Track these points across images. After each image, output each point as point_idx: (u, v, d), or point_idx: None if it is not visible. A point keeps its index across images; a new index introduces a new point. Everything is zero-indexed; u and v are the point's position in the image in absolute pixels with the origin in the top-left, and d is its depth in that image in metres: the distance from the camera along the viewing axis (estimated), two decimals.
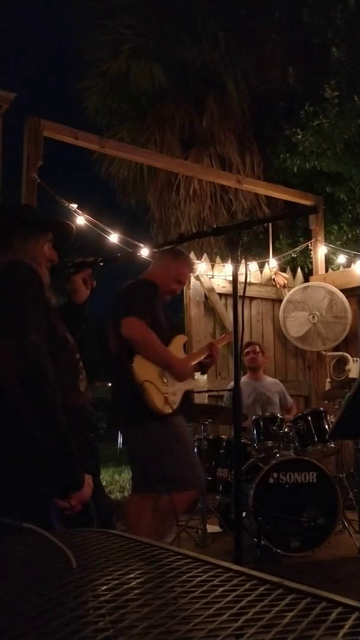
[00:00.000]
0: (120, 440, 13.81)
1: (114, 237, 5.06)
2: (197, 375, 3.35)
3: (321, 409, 4.42)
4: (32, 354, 1.54)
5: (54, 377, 1.56)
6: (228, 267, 5.79)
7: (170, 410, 2.82)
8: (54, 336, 1.69)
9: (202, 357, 3.23)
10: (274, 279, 6.16)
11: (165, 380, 2.84)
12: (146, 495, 3.01)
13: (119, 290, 3.05)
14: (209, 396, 5.31)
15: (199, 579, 0.64)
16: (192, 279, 5.57)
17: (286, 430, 4.22)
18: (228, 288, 5.75)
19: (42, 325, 1.64)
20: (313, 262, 6.53)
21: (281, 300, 6.03)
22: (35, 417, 1.53)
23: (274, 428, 4.20)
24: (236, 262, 2.07)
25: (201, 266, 5.70)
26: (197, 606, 0.56)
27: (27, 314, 1.61)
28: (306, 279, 6.41)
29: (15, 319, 1.59)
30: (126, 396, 2.88)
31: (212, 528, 4.37)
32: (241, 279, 2.24)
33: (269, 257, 6.40)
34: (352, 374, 5.60)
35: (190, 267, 3.34)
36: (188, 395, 3.11)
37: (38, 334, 1.58)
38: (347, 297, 5.80)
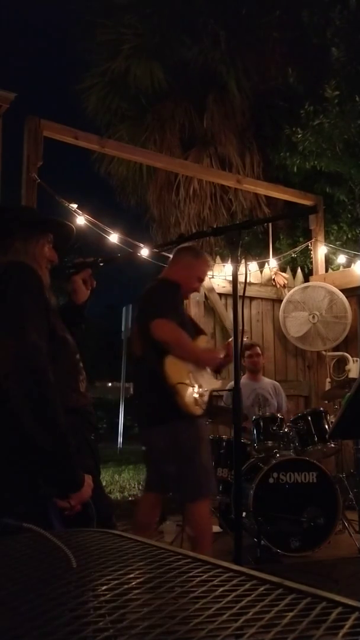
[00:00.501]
0: (120, 440, 13.81)
1: (114, 237, 5.06)
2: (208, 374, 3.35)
3: (321, 409, 4.42)
4: (32, 355, 1.54)
5: (53, 378, 1.55)
6: (228, 267, 5.79)
7: (200, 412, 2.84)
8: (54, 337, 1.69)
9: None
10: (274, 279, 6.16)
11: (194, 382, 2.85)
12: (159, 496, 3.04)
13: (143, 293, 3.05)
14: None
15: (199, 579, 0.64)
16: None
17: (286, 430, 4.22)
18: (228, 288, 5.75)
19: (42, 325, 1.64)
20: (313, 262, 6.53)
21: (281, 300, 6.03)
22: (35, 417, 1.52)
23: (274, 428, 4.20)
24: (236, 262, 2.07)
25: None
26: (197, 606, 0.56)
27: (27, 315, 1.61)
28: (306, 279, 6.41)
29: (15, 319, 1.59)
30: (154, 397, 2.88)
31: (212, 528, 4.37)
32: (241, 279, 2.24)
33: (269, 257, 6.40)
34: (352, 374, 5.60)
35: (208, 265, 3.34)
36: (211, 395, 3.14)
37: (38, 334, 1.58)
38: (347, 297, 5.80)
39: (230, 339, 3.58)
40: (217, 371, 3.34)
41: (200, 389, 2.89)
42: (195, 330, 3.14)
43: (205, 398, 2.93)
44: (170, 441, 2.82)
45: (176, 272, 3.06)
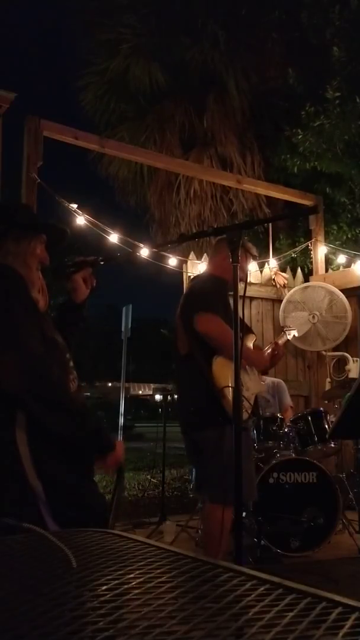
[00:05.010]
0: (120, 439, 13.83)
1: (114, 237, 5.06)
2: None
3: (321, 409, 4.42)
4: (34, 363, 1.59)
5: (57, 373, 1.63)
6: None
7: (246, 416, 2.80)
8: (44, 338, 1.69)
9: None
10: (274, 279, 6.15)
11: (241, 386, 2.80)
12: (229, 507, 2.74)
13: (189, 287, 2.99)
14: None
15: (198, 579, 0.64)
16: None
17: (286, 430, 4.22)
18: None
19: (35, 328, 1.65)
20: (313, 262, 6.53)
21: (281, 300, 6.03)
22: (56, 416, 1.61)
23: (274, 428, 4.20)
24: (236, 262, 2.07)
25: (201, 266, 5.70)
26: (197, 606, 0.56)
27: (20, 322, 1.62)
28: (306, 279, 6.40)
29: (10, 329, 1.61)
30: (202, 399, 2.85)
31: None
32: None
33: (269, 257, 6.39)
34: (352, 374, 5.59)
35: (252, 253, 3.27)
36: (257, 400, 3.10)
37: (35, 340, 1.61)
38: (347, 297, 5.79)
39: (277, 339, 3.56)
40: (264, 372, 3.28)
41: (247, 393, 2.85)
42: (244, 329, 3.08)
43: (251, 402, 2.90)
44: (217, 443, 2.79)
45: (219, 265, 2.95)
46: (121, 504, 2.00)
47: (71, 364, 1.83)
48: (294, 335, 3.86)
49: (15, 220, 1.84)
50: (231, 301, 2.07)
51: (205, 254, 6.04)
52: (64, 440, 1.63)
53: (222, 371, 2.76)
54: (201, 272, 5.67)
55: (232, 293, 2.10)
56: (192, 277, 5.27)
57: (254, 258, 3.11)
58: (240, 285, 2.09)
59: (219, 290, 2.90)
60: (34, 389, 1.59)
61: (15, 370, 1.57)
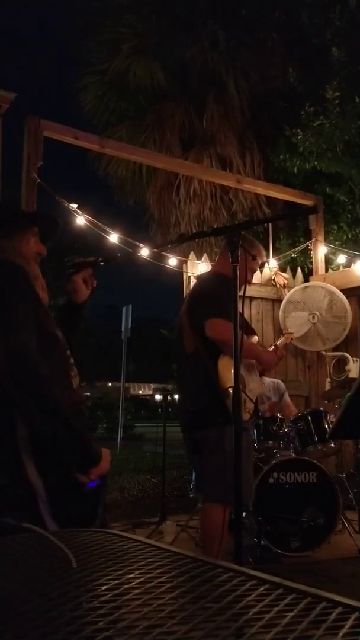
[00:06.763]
0: (120, 439, 13.85)
1: (113, 237, 5.06)
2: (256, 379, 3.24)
3: (321, 409, 4.42)
4: (23, 353, 1.56)
5: (46, 369, 1.57)
6: None
7: (248, 417, 2.81)
8: (44, 332, 1.69)
9: None
10: (274, 279, 6.15)
11: (243, 387, 2.80)
12: (228, 507, 2.76)
13: (197, 287, 2.97)
14: None
15: (199, 579, 0.64)
16: (193, 279, 5.57)
17: (286, 430, 4.22)
18: None
19: (31, 322, 1.64)
20: (313, 262, 6.53)
21: (281, 300, 6.03)
22: (38, 411, 1.56)
23: (274, 428, 4.20)
24: (236, 262, 2.07)
25: (201, 266, 5.70)
26: (197, 606, 0.56)
27: (15, 314, 1.62)
28: (306, 279, 6.41)
29: (3, 319, 1.60)
30: (205, 399, 2.85)
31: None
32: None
33: (269, 257, 6.40)
34: (352, 374, 5.60)
35: (262, 254, 3.27)
36: (257, 400, 3.09)
37: (26, 332, 1.60)
38: (347, 297, 5.79)
39: (277, 342, 3.57)
40: (261, 374, 3.27)
41: (249, 394, 2.86)
42: (247, 330, 3.07)
43: (252, 403, 2.91)
44: (217, 443, 2.79)
45: (224, 263, 2.91)
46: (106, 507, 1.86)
47: (72, 360, 1.82)
48: (291, 339, 3.87)
49: (3, 217, 1.84)
50: None
51: (205, 254, 6.05)
52: (44, 438, 1.57)
53: (227, 370, 2.76)
54: (202, 272, 5.70)
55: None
56: (196, 276, 5.27)
57: (257, 258, 3.08)
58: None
59: (228, 292, 2.92)
60: (17, 376, 1.54)
61: (2, 356, 1.55)
